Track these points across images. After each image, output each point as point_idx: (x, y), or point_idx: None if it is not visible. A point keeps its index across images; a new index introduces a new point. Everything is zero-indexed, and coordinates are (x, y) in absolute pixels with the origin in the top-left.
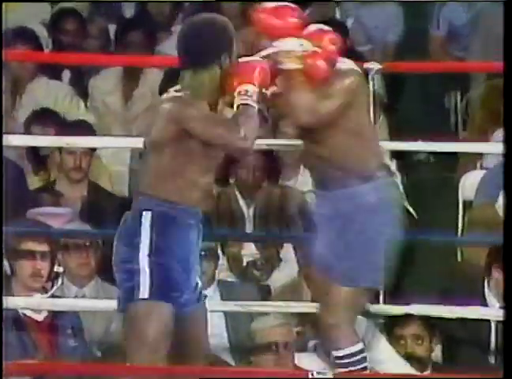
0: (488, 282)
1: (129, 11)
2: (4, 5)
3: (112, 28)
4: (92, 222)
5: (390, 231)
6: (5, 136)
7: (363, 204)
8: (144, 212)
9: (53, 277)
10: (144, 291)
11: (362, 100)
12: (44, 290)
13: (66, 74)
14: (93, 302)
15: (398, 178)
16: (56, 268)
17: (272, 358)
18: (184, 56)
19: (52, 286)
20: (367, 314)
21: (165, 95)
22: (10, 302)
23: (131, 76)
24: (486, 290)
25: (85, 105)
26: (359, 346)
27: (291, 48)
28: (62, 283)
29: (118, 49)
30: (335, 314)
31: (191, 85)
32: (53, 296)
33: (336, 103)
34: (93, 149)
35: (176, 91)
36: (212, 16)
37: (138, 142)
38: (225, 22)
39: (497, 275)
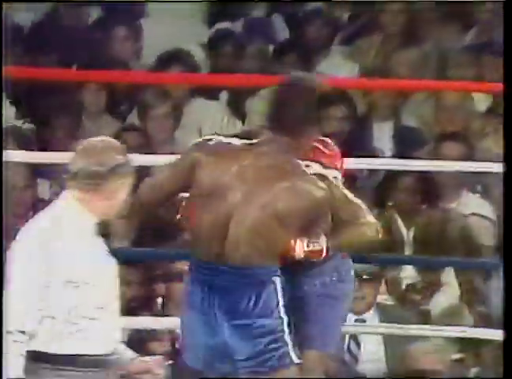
0: None
1: (285, 32)
2: (157, 27)
3: (270, 49)
4: None
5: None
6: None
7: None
8: (274, 278)
9: None
10: (294, 356)
11: None
12: None
13: (224, 95)
14: None
15: None
16: None
17: None
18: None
19: None
20: None
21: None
22: None
23: None
24: None
25: (243, 125)
26: None
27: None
28: None
29: (276, 70)
30: None
31: None
32: None
33: None
34: None
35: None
36: None
37: None
38: None
39: None
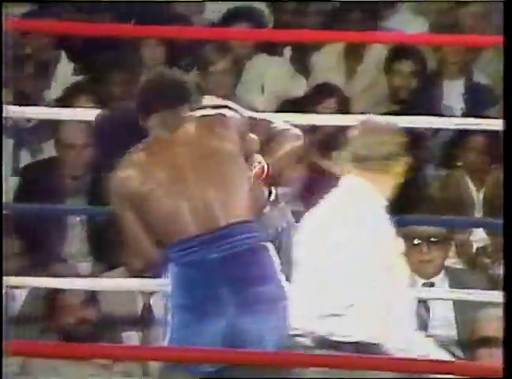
0: None
1: None
2: None
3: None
4: None
5: None
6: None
7: None
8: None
9: None
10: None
11: None
12: None
13: (288, 51)
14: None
15: None
16: None
17: (490, 354)
18: None
19: None
20: None
21: None
22: None
23: (354, 53)
24: None
25: (307, 82)
26: None
27: None
28: None
29: (341, 25)
30: None
31: None
32: None
33: None
34: None
35: None
36: None
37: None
38: None
39: None
